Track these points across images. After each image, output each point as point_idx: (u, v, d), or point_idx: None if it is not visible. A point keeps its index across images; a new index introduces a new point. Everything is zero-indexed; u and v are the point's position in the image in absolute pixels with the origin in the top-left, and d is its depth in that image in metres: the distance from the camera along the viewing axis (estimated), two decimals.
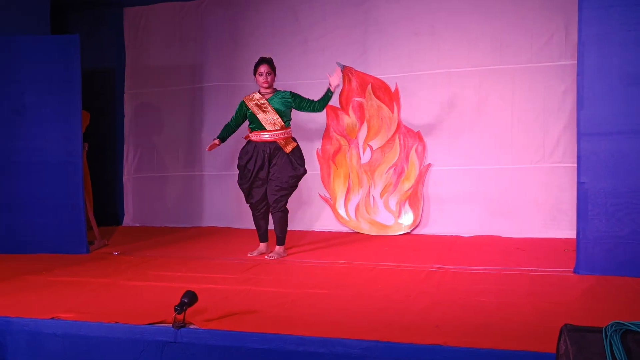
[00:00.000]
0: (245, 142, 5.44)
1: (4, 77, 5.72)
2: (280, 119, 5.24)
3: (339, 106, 6.78)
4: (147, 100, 7.76)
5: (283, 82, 5.61)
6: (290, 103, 5.31)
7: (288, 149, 5.27)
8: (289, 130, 5.34)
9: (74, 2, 7.69)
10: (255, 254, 5.47)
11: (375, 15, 6.77)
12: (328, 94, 5.28)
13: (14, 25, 6.16)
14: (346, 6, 6.88)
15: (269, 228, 5.55)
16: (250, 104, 5.30)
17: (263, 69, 5.24)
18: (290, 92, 5.35)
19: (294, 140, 5.36)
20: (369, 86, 6.64)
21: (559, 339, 2.48)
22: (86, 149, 6.90)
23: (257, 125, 5.28)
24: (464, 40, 6.45)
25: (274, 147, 5.26)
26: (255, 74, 5.31)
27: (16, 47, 5.73)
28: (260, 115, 5.24)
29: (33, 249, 5.66)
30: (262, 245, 5.54)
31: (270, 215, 5.46)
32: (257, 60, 5.33)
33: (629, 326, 2.33)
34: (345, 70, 6.67)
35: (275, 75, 5.34)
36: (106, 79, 7.86)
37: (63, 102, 5.71)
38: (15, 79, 5.72)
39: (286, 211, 5.38)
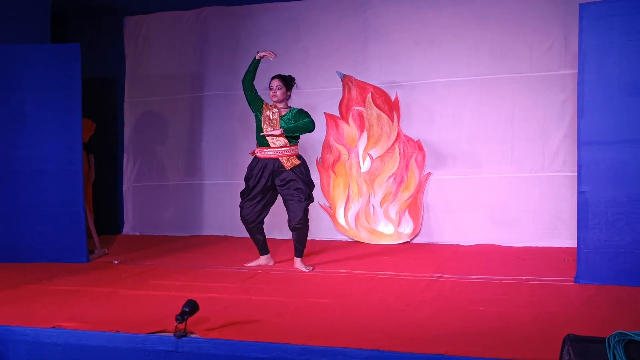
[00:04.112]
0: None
1: (4, 86, 5.72)
2: (284, 137, 5.13)
3: (338, 115, 6.80)
4: (147, 109, 7.75)
5: None
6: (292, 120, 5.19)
7: (288, 165, 5.14)
8: (293, 147, 5.20)
9: (74, 11, 7.69)
10: (254, 265, 5.44)
11: (375, 25, 6.79)
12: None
13: (14, 34, 6.15)
14: (347, 15, 6.89)
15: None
16: (265, 113, 5.22)
17: (273, 83, 5.20)
18: (299, 109, 5.25)
19: (299, 158, 5.23)
20: (369, 95, 6.65)
21: (562, 349, 2.49)
22: (93, 160, 6.92)
23: (261, 142, 5.21)
24: (464, 49, 6.46)
25: (277, 165, 5.16)
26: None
27: (17, 56, 5.73)
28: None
29: (33, 258, 5.64)
30: (263, 258, 5.47)
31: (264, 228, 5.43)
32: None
33: (632, 336, 2.33)
34: (346, 79, 6.70)
35: (287, 90, 5.21)
36: (106, 87, 7.86)
37: (63, 110, 5.70)
38: (16, 87, 5.72)
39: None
